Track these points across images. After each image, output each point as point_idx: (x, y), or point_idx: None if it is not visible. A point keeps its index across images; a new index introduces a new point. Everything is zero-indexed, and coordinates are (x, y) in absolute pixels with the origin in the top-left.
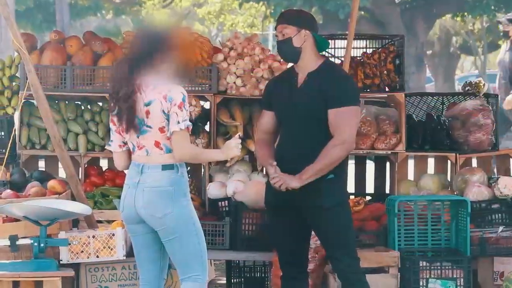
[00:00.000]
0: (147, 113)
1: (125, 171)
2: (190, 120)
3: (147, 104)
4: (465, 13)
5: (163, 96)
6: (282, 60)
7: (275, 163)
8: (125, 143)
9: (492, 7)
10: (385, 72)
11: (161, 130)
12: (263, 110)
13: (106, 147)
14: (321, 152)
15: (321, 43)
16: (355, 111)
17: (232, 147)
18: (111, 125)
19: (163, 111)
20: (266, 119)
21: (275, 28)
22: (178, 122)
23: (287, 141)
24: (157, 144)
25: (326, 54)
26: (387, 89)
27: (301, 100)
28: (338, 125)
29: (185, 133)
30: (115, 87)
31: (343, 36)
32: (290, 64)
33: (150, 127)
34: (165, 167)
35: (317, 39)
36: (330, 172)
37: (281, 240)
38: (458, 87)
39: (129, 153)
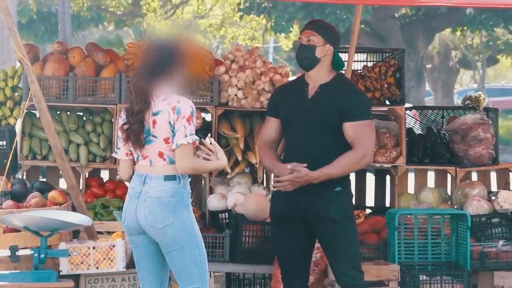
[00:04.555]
0: (154, 123)
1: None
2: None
3: (155, 114)
4: (464, 28)
5: (172, 108)
6: (283, 73)
7: (289, 166)
8: (132, 152)
9: (491, 22)
10: (386, 85)
11: (166, 140)
12: (268, 116)
13: (113, 154)
14: (339, 159)
15: (338, 63)
16: (372, 126)
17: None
18: (119, 132)
19: (169, 122)
20: (271, 126)
21: (301, 32)
22: (186, 136)
23: (295, 151)
24: (160, 154)
25: None
26: (387, 102)
27: (313, 110)
28: (359, 139)
29: (190, 148)
30: (132, 101)
31: (344, 50)
32: (291, 77)
33: (155, 137)
34: (167, 177)
35: (336, 58)
36: (338, 184)
37: (286, 252)
38: (457, 101)
39: (135, 163)
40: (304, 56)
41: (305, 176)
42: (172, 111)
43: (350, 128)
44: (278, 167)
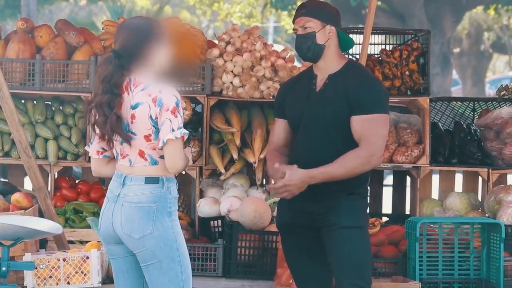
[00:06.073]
0: (132, 117)
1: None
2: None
3: (134, 107)
4: (499, 5)
5: (153, 99)
6: (287, 57)
7: (277, 165)
8: (105, 150)
9: None
10: (407, 72)
11: (147, 138)
12: (276, 118)
13: (85, 147)
14: (341, 157)
15: (346, 42)
16: (385, 120)
17: None
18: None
19: (151, 117)
20: (278, 129)
21: (293, 21)
22: (173, 130)
23: (303, 152)
24: (141, 153)
25: None
26: (409, 92)
27: (321, 105)
28: (366, 135)
29: (180, 143)
30: (98, 90)
31: (358, 30)
32: (297, 62)
33: (134, 133)
34: (149, 180)
35: (342, 37)
36: (351, 189)
37: (301, 268)
38: (489, 91)
39: (108, 161)
40: (306, 47)
41: (296, 177)
42: (153, 103)
43: (357, 122)
44: (274, 171)
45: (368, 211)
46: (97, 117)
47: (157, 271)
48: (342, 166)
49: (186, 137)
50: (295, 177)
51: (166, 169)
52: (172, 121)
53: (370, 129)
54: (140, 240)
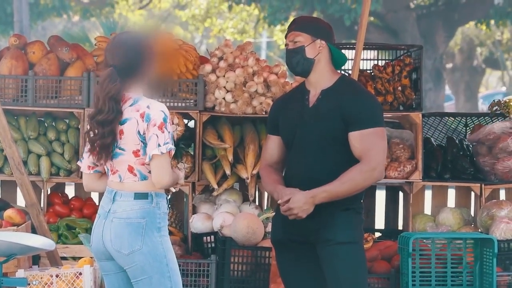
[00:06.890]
0: (121, 133)
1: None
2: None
3: (122, 123)
4: (492, 21)
5: (141, 115)
6: (279, 72)
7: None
8: (96, 165)
9: None
10: (400, 88)
11: (135, 153)
12: (268, 134)
13: (78, 162)
14: (342, 175)
15: (338, 58)
16: (383, 133)
17: None
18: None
19: (139, 132)
20: (271, 145)
21: (285, 36)
22: (159, 145)
23: (297, 168)
24: (130, 169)
25: None
26: (401, 107)
27: (314, 120)
28: (366, 150)
29: (166, 158)
30: (101, 109)
31: (350, 46)
32: (290, 78)
33: (123, 149)
34: (138, 196)
35: (334, 53)
36: (346, 205)
37: (296, 283)
38: (482, 107)
39: (100, 176)
40: (295, 61)
41: (298, 199)
42: (141, 118)
43: (356, 138)
44: (278, 192)
45: (363, 222)
46: (96, 132)
47: (147, 286)
48: (345, 183)
49: (173, 153)
50: (297, 199)
51: None
52: (158, 137)
53: (370, 144)
54: (129, 256)
